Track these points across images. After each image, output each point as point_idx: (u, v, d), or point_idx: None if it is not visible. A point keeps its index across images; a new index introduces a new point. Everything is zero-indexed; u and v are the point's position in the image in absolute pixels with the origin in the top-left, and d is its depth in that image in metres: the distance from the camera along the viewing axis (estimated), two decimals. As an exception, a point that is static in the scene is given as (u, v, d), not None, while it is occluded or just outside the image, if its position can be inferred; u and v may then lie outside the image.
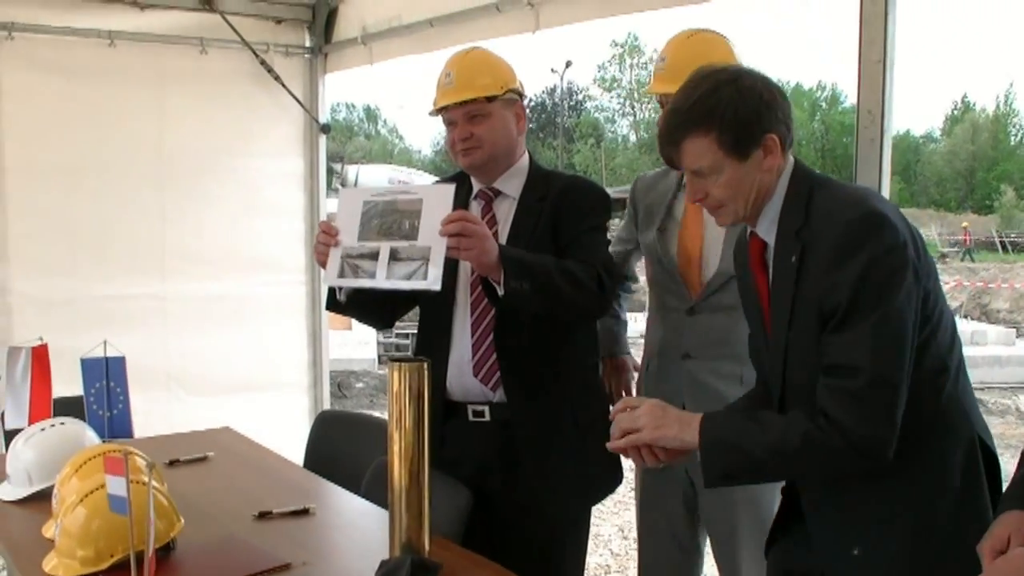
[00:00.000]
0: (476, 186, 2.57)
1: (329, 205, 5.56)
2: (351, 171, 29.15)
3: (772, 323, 1.88)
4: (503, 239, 2.46)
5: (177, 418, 4.63)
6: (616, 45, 46.94)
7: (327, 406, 5.40)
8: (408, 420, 2.01)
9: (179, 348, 4.84)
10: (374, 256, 2.34)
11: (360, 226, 2.39)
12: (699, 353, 2.54)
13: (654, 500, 2.75)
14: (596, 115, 51.01)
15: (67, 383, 3.09)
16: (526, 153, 2.59)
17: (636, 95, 48.69)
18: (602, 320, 2.79)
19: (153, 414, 4.43)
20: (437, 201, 2.30)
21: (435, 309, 2.53)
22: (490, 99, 2.45)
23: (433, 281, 2.23)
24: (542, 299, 2.30)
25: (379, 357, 13.46)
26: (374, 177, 28.79)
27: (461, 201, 2.50)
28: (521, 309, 2.33)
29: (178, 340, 4.84)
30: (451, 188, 2.35)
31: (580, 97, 52.18)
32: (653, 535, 2.78)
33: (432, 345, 2.51)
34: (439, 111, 2.51)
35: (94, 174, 4.58)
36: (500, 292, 2.27)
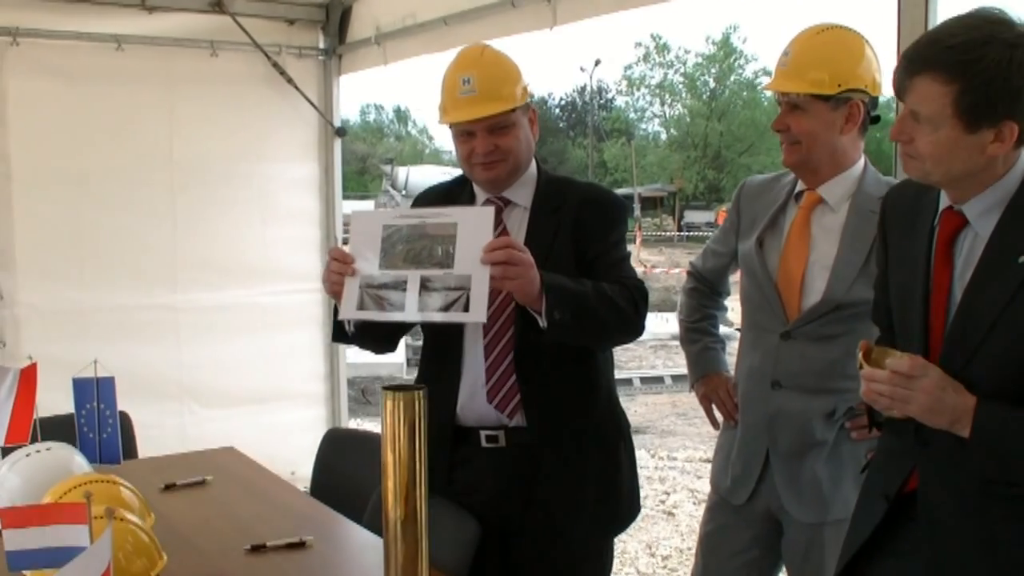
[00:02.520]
0: (482, 195, 2.39)
1: (346, 207, 5.43)
2: (401, 172, 29.16)
3: (962, 310, 1.68)
4: None
5: (190, 431, 4.55)
6: (640, 46, 46.49)
7: (345, 417, 5.28)
8: (403, 451, 1.84)
9: (192, 359, 4.74)
10: (401, 286, 2.12)
11: (381, 253, 2.17)
12: (790, 383, 2.31)
13: (721, 542, 2.53)
14: (628, 113, 50.47)
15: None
16: (533, 159, 2.40)
17: (663, 94, 48.16)
18: (695, 341, 2.64)
19: (165, 427, 4.35)
20: (475, 225, 2.10)
21: (442, 332, 2.33)
22: (513, 108, 2.27)
23: (477, 313, 2.03)
24: (582, 329, 2.14)
25: (408, 361, 13.25)
26: (424, 178, 28.78)
27: None
28: (562, 341, 2.16)
29: (191, 351, 4.74)
30: (490, 211, 2.15)
31: (610, 95, 51.84)
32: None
33: (440, 370, 2.33)
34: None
35: (103, 181, 4.50)
36: (543, 324, 2.09)
